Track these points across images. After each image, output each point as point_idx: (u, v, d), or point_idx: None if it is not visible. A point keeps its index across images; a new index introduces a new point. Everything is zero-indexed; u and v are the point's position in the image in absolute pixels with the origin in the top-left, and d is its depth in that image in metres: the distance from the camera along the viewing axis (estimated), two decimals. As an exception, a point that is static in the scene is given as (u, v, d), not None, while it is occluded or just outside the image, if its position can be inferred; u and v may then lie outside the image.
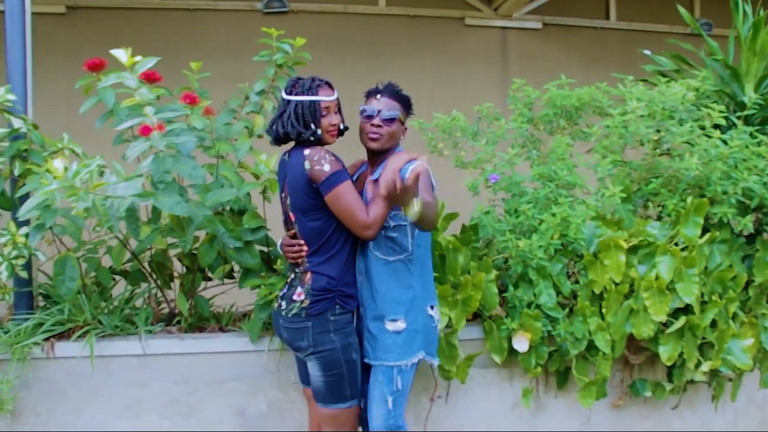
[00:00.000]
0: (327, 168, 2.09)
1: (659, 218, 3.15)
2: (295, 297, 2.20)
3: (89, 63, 2.38)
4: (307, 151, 2.13)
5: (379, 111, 2.23)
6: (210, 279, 2.98)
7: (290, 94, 2.19)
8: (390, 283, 2.22)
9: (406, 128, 2.31)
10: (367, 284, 2.24)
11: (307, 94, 2.17)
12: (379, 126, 2.22)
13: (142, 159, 2.27)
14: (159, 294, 2.99)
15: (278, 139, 2.22)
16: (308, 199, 2.15)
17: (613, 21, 6.49)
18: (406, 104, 2.28)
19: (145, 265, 2.95)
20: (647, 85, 3.31)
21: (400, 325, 2.21)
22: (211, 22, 5.65)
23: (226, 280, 2.96)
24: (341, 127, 2.25)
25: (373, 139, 2.24)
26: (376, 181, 2.22)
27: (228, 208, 2.67)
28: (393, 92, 2.26)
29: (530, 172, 2.99)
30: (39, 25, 3.27)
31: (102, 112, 2.61)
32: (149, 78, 2.61)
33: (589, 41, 6.39)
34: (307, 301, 2.17)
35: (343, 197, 2.09)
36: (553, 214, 2.74)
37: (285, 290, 2.27)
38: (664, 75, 3.68)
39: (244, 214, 2.62)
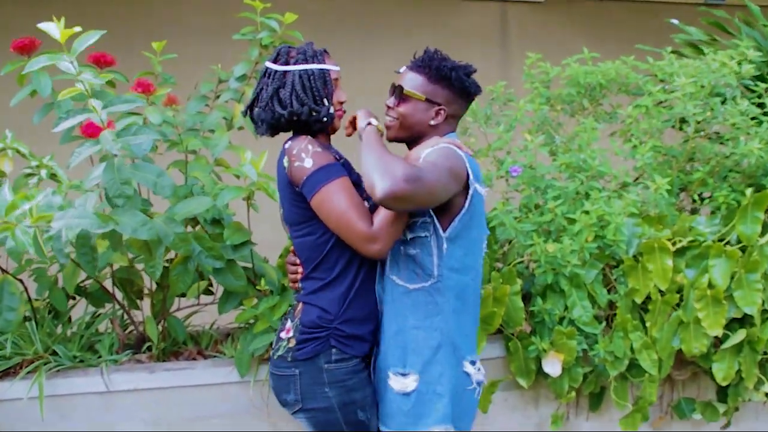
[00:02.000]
0: (309, 164, 1.58)
1: (694, 211, 2.75)
2: (282, 334, 1.73)
3: (16, 43, 1.91)
4: (288, 144, 1.65)
5: (394, 89, 1.72)
6: (185, 295, 2.55)
7: (287, 63, 1.67)
8: (405, 319, 1.64)
9: (442, 110, 1.69)
10: (381, 319, 1.73)
11: (313, 62, 1.68)
12: (390, 109, 1.73)
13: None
14: (126, 315, 2.56)
15: (273, 126, 1.69)
16: (294, 207, 1.67)
17: (620, -8, 6.05)
18: (437, 76, 1.67)
19: (109, 282, 2.51)
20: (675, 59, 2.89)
21: (410, 383, 1.61)
22: (196, 4, 5.16)
23: (205, 296, 2.54)
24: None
25: (387, 127, 1.75)
26: None
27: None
28: (418, 62, 1.71)
29: (550, 161, 2.58)
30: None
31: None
32: (99, 61, 2.17)
33: (594, 15, 5.99)
34: (294, 341, 1.68)
35: (333, 200, 1.56)
36: (586, 212, 2.32)
37: (280, 324, 1.81)
38: (694, 46, 3.27)
39: (223, 224, 2.17)
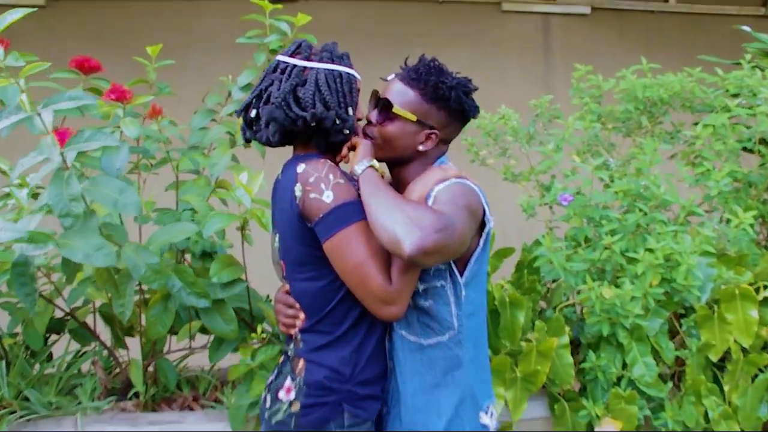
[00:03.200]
0: (329, 198, 1.30)
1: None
2: (281, 394, 1.42)
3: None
4: (301, 167, 1.34)
5: (378, 101, 1.44)
6: (176, 332, 2.23)
7: (308, 59, 1.38)
8: (422, 378, 1.40)
9: (434, 134, 1.41)
10: (391, 376, 1.45)
11: (341, 64, 1.40)
12: (371, 124, 1.44)
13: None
14: (111, 355, 2.25)
15: (284, 131, 1.37)
16: (300, 246, 1.37)
17: (672, 3, 5.64)
18: (433, 95, 1.39)
19: (91, 317, 2.21)
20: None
21: None
22: (207, 13, 4.93)
23: (202, 334, 2.22)
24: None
25: None
26: None
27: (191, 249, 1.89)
28: (411, 74, 1.41)
29: (600, 187, 2.20)
30: None
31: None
32: (83, 66, 1.89)
33: (644, 27, 5.59)
34: (298, 404, 1.38)
35: (351, 246, 1.29)
36: (650, 250, 1.93)
37: (273, 375, 1.50)
38: (769, 56, 2.86)
39: (213, 258, 1.84)
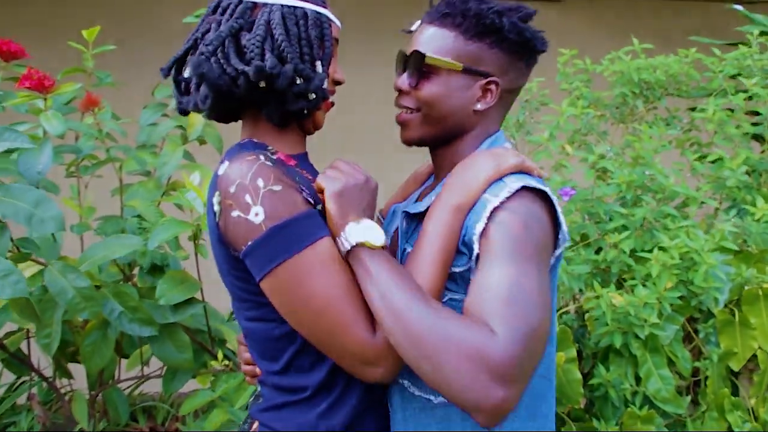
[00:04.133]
0: (258, 216, 0.88)
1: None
2: None
3: None
4: (224, 166, 0.93)
5: (407, 58, 1.02)
6: (127, 356, 1.94)
7: None
8: None
9: (493, 83, 1.00)
10: None
11: (311, 0, 1.00)
12: (404, 93, 1.03)
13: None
14: (51, 387, 1.96)
15: (219, 95, 0.95)
16: (231, 278, 0.97)
17: (646, -11, 5.49)
18: (479, 29, 0.98)
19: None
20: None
21: None
22: (167, 4, 4.61)
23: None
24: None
25: (400, 123, 1.05)
26: (413, 217, 1.03)
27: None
28: (442, 8, 1.00)
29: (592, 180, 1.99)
30: None
31: None
32: (1, 51, 1.59)
33: (617, 15, 5.43)
34: None
35: (304, 288, 0.88)
36: (662, 248, 1.71)
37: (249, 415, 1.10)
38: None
39: (165, 272, 1.57)
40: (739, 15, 2.82)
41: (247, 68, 0.92)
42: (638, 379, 1.75)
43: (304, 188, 0.93)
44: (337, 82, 1.04)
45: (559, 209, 0.95)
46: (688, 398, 1.79)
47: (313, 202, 0.93)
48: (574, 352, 1.70)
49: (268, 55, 0.93)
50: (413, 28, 1.06)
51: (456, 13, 0.98)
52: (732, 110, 2.11)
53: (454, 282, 0.93)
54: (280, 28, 0.94)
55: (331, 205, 0.91)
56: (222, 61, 0.93)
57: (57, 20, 3.65)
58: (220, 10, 0.98)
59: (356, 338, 0.87)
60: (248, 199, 0.88)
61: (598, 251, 1.88)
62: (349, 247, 0.89)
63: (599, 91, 2.39)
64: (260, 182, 0.88)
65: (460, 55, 0.99)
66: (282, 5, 0.96)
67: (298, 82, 0.94)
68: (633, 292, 1.71)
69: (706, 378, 1.81)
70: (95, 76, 1.86)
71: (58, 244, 1.54)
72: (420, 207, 1.00)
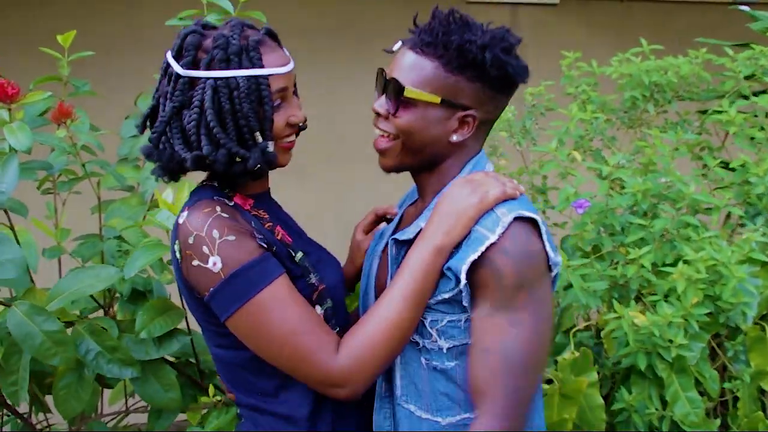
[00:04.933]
0: (216, 265, 0.96)
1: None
2: None
3: None
4: (183, 215, 1.02)
5: (387, 85, 1.02)
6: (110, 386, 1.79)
7: (195, 64, 0.99)
8: None
9: (470, 116, 1.02)
10: None
11: (240, 64, 0.98)
12: (382, 117, 1.04)
13: None
14: (26, 424, 1.81)
15: (171, 172, 1.05)
16: (198, 312, 1.07)
17: (641, -9, 5.44)
18: (460, 61, 0.98)
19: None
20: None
21: None
22: (149, 10, 4.48)
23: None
24: (301, 124, 1.08)
25: (379, 151, 1.06)
26: (402, 243, 1.05)
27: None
28: (425, 36, 0.99)
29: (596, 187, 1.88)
30: None
31: None
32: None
33: (612, 17, 5.37)
34: None
35: (264, 326, 0.96)
36: (686, 261, 1.59)
37: None
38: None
39: (150, 299, 1.42)
40: (744, 15, 2.73)
41: (187, 156, 0.98)
42: (663, 402, 1.63)
43: (256, 233, 1.00)
44: (292, 124, 1.05)
45: (546, 238, 0.98)
46: (718, 421, 1.66)
47: (266, 245, 1.00)
48: (595, 376, 1.58)
49: (203, 141, 0.98)
50: (395, 48, 1.06)
51: (438, 44, 0.98)
52: (745, 112, 2.01)
53: (447, 305, 0.98)
54: (211, 110, 0.96)
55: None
56: (167, 146, 1.00)
57: (37, 29, 3.52)
58: (168, 75, 1.00)
59: (319, 364, 0.95)
60: (206, 250, 0.96)
61: (611, 264, 1.77)
62: None
63: (603, 95, 2.29)
64: (215, 233, 0.96)
65: (440, 86, 1.00)
66: (214, 78, 0.97)
67: (237, 161, 1.00)
68: (655, 309, 1.59)
69: (735, 399, 1.69)
70: (71, 85, 1.72)
71: (27, 275, 1.40)
72: (409, 234, 1.04)
